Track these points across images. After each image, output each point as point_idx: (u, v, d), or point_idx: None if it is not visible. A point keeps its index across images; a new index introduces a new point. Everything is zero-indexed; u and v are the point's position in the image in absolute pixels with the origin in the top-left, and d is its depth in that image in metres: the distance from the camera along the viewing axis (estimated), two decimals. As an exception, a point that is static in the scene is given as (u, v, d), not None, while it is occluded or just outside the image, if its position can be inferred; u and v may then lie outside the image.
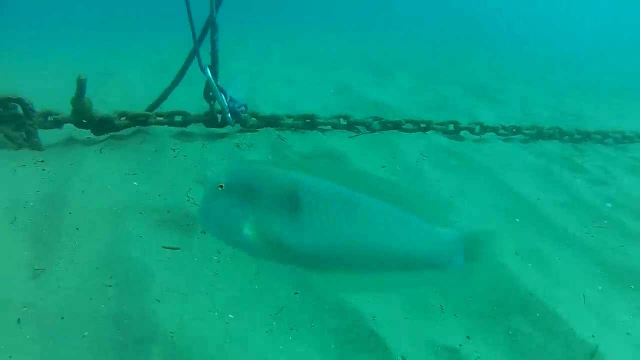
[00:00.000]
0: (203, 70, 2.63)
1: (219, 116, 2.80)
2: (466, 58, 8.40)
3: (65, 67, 5.26)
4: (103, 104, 3.22)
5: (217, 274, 1.75)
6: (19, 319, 1.46)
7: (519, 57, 9.43)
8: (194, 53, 2.65)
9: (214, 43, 2.71)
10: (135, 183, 2.30)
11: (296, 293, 1.66)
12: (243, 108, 2.83)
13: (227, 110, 2.67)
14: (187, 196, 2.21)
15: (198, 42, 2.66)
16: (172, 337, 1.41)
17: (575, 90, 6.92)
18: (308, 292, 1.66)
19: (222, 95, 2.69)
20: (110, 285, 1.64)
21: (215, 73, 2.72)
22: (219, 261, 1.85)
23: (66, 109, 2.64)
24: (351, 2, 13.94)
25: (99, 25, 8.51)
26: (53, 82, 4.32)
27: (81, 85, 2.53)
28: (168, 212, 2.10)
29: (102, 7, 10.05)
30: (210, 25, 2.69)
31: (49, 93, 3.11)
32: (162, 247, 1.90)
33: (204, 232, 1.99)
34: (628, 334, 1.70)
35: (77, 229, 1.93)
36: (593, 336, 1.62)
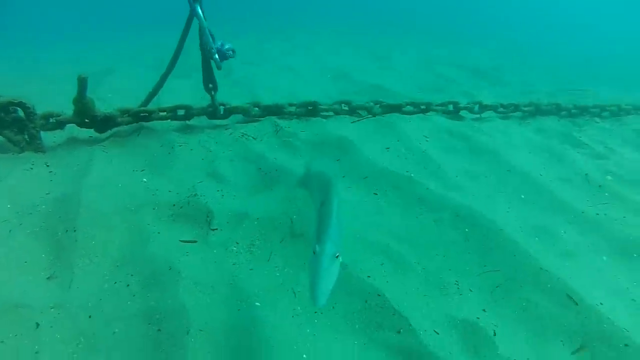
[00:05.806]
0: (193, 7, 2.50)
1: (222, 108, 2.79)
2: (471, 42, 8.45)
3: (65, 67, 5.18)
4: (103, 101, 3.20)
5: (235, 264, 1.79)
6: (37, 324, 1.48)
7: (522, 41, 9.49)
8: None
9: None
10: (144, 180, 2.31)
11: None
12: (231, 52, 2.69)
13: (215, 51, 2.54)
14: (197, 190, 2.23)
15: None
16: (204, 329, 1.46)
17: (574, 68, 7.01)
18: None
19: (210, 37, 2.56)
20: (133, 283, 1.67)
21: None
22: (238, 252, 1.89)
23: (68, 109, 2.62)
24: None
25: (95, 24, 8.36)
26: (54, 82, 4.26)
27: (82, 84, 2.51)
28: (181, 207, 2.12)
29: (98, 6, 9.89)
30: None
31: (50, 93, 3.06)
32: (180, 241, 1.94)
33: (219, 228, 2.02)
34: (633, 300, 1.78)
35: (93, 229, 1.95)
36: (601, 304, 1.70)
